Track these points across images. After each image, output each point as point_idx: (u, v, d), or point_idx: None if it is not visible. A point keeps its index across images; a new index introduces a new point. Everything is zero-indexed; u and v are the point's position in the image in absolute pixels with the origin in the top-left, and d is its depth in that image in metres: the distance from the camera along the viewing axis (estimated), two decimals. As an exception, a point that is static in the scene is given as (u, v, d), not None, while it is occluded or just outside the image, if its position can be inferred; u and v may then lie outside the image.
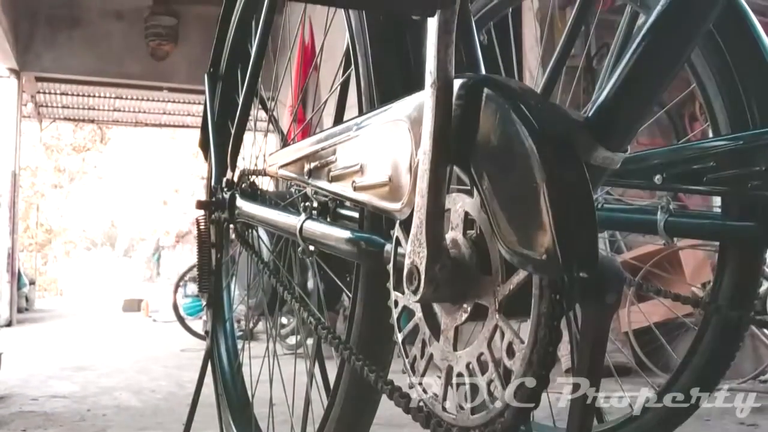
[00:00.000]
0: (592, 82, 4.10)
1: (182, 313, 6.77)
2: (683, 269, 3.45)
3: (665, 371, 3.09)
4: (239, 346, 1.67)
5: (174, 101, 9.13)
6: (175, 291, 7.01)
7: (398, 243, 0.75)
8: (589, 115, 0.59)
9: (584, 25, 1.24)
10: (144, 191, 20.16)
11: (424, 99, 0.64)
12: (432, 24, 0.62)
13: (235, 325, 1.82)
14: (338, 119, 1.13)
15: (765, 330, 3.08)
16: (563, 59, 1.29)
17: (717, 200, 1.25)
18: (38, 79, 8.21)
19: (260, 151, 1.40)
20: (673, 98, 2.31)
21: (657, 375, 3.18)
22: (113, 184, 20.43)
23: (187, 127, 10.24)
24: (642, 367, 3.27)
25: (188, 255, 11.43)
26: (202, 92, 1.64)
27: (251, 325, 2.83)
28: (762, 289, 2.86)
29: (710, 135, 1.21)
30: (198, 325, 6.25)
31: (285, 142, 1.51)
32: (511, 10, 1.54)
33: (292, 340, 4.70)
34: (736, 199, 1.11)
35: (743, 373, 3.12)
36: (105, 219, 21.66)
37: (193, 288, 7.09)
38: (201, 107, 1.68)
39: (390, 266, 0.76)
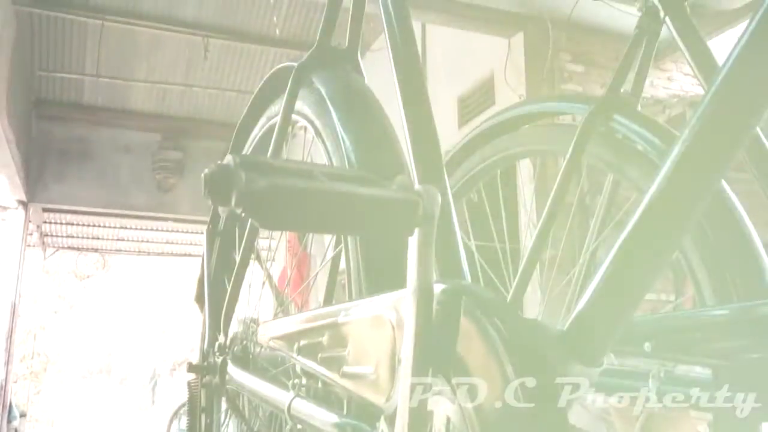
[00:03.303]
0: (586, 217, 4.18)
1: (175, 449, 6.56)
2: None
3: None
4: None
5: (177, 231, 9.27)
6: (170, 424, 6.83)
7: (383, 436, 0.74)
8: (565, 328, 0.61)
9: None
10: (143, 318, 20.02)
11: (406, 301, 0.65)
12: (412, 239, 0.64)
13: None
14: (329, 297, 1.15)
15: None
16: (553, 216, 1.34)
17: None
18: (45, 210, 8.37)
19: (255, 310, 1.42)
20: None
21: None
22: (112, 310, 20.32)
23: (190, 255, 10.34)
24: None
25: (184, 383, 11.18)
26: (206, 223, 1.67)
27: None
28: None
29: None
30: (191, 462, 6.03)
31: (281, 302, 1.52)
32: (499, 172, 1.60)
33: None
34: (727, 370, 1.11)
35: None
36: (102, 346, 21.38)
37: (187, 421, 6.90)
38: (204, 237, 1.68)
39: (376, 460, 0.75)
